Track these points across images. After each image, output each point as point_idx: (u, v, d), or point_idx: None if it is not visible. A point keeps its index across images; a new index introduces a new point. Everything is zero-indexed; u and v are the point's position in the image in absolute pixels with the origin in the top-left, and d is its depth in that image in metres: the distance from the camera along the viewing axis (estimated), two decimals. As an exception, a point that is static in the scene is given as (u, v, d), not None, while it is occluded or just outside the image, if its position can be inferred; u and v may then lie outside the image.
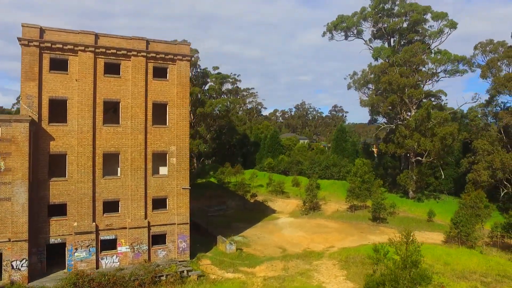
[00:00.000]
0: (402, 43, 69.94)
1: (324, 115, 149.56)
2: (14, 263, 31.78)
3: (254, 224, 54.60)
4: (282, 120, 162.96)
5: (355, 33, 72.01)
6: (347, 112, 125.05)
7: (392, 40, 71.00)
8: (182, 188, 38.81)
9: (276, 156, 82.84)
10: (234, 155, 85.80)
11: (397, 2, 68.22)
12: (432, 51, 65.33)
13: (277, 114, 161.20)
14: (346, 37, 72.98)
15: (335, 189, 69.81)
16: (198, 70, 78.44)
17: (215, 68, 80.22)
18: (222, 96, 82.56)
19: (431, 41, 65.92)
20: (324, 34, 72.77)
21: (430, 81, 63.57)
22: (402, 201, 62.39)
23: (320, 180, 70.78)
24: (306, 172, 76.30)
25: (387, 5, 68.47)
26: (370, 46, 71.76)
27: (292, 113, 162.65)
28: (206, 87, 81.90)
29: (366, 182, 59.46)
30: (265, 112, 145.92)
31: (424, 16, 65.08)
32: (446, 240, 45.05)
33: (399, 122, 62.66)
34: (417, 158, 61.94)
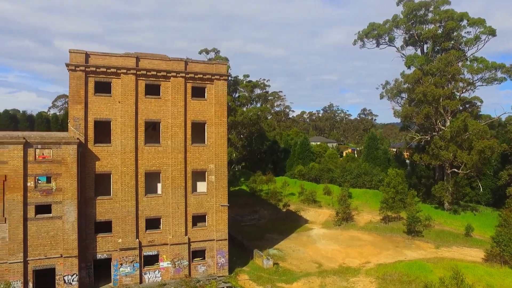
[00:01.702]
0: (436, 49, 68.61)
1: (352, 117, 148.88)
2: (66, 278, 33.53)
3: (288, 236, 55.00)
4: (309, 122, 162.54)
5: (386, 40, 71.16)
6: (376, 115, 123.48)
7: (425, 46, 69.76)
8: (221, 205, 39.68)
9: (306, 163, 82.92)
10: (264, 162, 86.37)
11: (431, 9, 66.90)
12: (468, 58, 63.82)
13: (304, 116, 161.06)
14: (378, 44, 72.21)
15: (367, 198, 69.29)
16: (229, 78, 79.33)
17: (246, 76, 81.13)
18: (252, 102, 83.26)
19: (467, 48, 64.36)
20: (355, 42, 72.25)
21: (466, 91, 62.15)
22: (437, 212, 61.32)
23: (352, 188, 70.44)
24: (337, 180, 76.07)
25: (420, 11, 67.28)
26: (403, 54, 70.77)
27: (320, 115, 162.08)
28: (237, 95, 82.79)
29: (400, 193, 58.79)
30: (291, 114, 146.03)
31: (460, 23, 63.61)
32: (487, 258, 44.05)
33: (434, 134, 61.54)
34: (453, 169, 60.73)
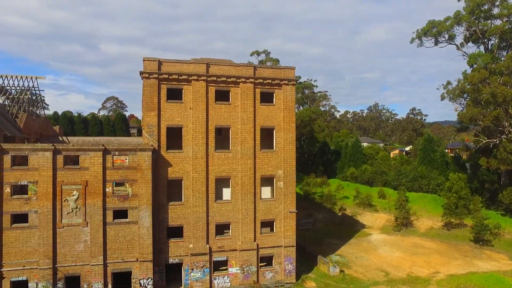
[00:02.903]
0: (502, 46, 65.03)
1: (398, 116, 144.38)
2: (141, 281, 34.27)
3: (347, 241, 53.94)
4: (353, 122, 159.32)
5: (446, 38, 68.21)
6: (426, 115, 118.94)
7: (489, 43, 66.29)
8: (289, 212, 39.31)
9: (358, 165, 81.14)
10: (314, 164, 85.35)
11: (497, 3, 63.34)
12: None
13: (348, 115, 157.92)
14: (436, 43, 69.42)
15: (425, 203, 66.82)
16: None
17: (297, 78, 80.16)
18: (304, 103, 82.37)
19: (539, 43, 60.48)
20: (412, 40, 69.78)
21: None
22: (505, 220, 58.10)
23: (408, 192, 68.13)
24: (391, 183, 73.92)
25: (484, 6, 63.89)
26: (464, 52, 67.62)
27: (364, 114, 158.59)
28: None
29: (463, 198, 56.23)
30: (336, 114, 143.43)
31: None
32: None
33: (503, 136, 58.31)
34: (523, 174, 57.39)
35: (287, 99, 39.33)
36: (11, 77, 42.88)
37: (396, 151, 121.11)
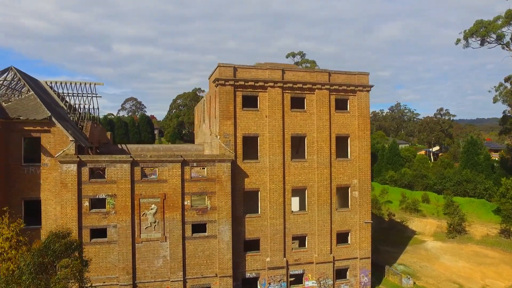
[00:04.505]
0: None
1: (420, 116, 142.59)
2: (221, 299, 32.88)
3: (403, 248, 52.41)
4: (373, 121, 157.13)
5: (494, 38, 66.42)
6: (454, 115, 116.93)
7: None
8: (364, 222, 37.87)
9: (396, 168, 79.53)
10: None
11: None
12: None
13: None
14: (483, 43, 67.61)
15: (474, 208, 65.13)
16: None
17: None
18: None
19: None
20: (458, 42, 67.94)
21: None
22: None
23: (454, 197, 66.51)
24: (433, 187, 72.28)
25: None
26: (514, 52, 65.75)
27: (384, 114, 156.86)
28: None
29: (520, 204, 54.54)
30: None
31: None
32: None
33: None
34: None
35: (362, 105, 37.87)
36: (70, 83, 41.58)
37: (422, 152, 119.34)
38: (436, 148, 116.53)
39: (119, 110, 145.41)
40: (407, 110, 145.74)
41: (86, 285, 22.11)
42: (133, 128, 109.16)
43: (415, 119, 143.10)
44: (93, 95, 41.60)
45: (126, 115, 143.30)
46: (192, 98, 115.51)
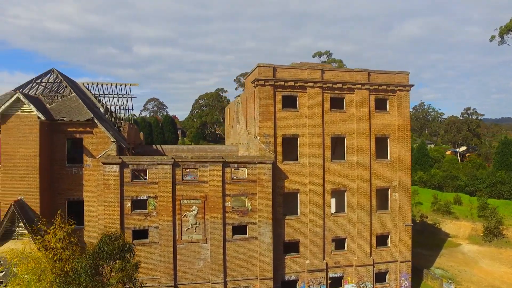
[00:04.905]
0: None
1: (444, 116, 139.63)
2: (260, 302, 32.55)
3: (438, 252, 51.18)
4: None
5: (531, 35, 64.47)
6: (482, 114, 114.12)
7: None
8: (405, 225, 37.04)
9: (425, 169, 77.98)
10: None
11: None
12: None
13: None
14: (518, 40, 65.72)
15: (511, 211, 63.31)
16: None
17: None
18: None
19: None
20: (492, 38, 66.25)
21: None
22: None
23: (488, 199, 64.71)
24: (464, 189, 70.53)
25: None
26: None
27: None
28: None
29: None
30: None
31: None
32: None
33: None
34: None
35: (402, 106, 37.02)
36: (106, 84, 41.86)
37: (448, 152, 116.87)
38: (463, 148, 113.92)
39: (141, 111, 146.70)
40: (431, 110, 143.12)
41: (138, 287, 22.07)
42: (157, 128, 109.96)
43: (439, 119, 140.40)
44: (128, 96, 41.80)
45: (148, 116, 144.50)
46: (215, 98, 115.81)
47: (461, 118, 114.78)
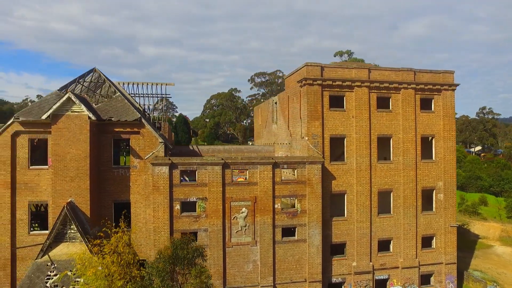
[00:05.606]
0: None
1: (457, 115, 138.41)
2: (311, 305, 32.01)
3: (471, 253, 50.59)
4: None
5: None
6: (499, 114, 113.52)
7: None
8: (450, 226, 36.55)
9: (446, 169, 77.33)
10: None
11: None
12: None
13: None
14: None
15: (539, 211, 62.78)
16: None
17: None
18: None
19: None
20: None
21: None
22: None
23: (513, 199, 64.20)
24: (489, 189, 70.01)
25: None
26: None
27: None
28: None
29: None
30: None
31: None
32: None
33: None
34: None
35: (447, 105, 36.50)
36: (142, 84, 41.38)
37: (464, 152, 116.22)
38: (478, 148, 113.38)
39: (152, 111, 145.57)
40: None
41: (209, 292, 21.56)
42: (171, 128, 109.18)
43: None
44: (164, 95, 41.32)
45: (157, 115, 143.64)
46: (228, 98, 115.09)
47: (476, 118, 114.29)
